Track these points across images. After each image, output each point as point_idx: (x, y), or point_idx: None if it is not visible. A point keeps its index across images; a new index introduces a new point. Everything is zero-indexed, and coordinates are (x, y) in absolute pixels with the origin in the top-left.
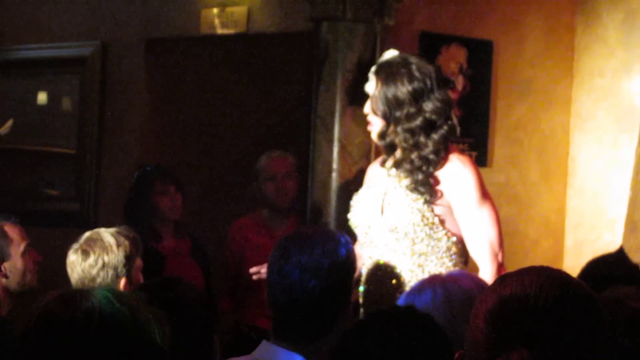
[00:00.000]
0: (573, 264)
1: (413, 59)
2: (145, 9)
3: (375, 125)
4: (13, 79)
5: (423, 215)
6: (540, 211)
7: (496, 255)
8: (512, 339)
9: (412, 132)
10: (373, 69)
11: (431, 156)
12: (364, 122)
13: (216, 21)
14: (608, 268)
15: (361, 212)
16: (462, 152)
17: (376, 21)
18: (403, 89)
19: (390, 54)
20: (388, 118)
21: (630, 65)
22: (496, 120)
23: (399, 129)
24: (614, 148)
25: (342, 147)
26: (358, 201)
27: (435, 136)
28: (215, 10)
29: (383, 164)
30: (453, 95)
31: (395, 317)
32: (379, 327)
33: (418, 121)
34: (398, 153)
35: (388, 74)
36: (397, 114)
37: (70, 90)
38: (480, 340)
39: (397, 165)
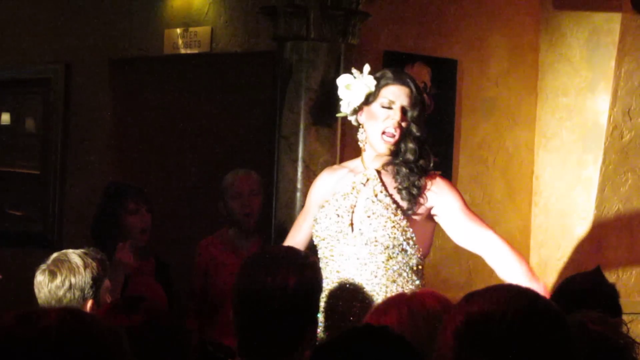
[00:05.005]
0: None
1: None
2: (109, 30)
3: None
4: None
5: (403, 230)
6: (505, 230)
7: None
8: (479, 355)
9: (424, 136)
10: (405, 78)
11: (430, 165)
12: (327, 141)
13: (179, 41)
14: (584, 286)
15: (328, 225)
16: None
17: (340, 41)
18: (421, 94)
19: (366, 69)
20: (417, 121)
21: (595, 83)
22: (460, 139)
23: (419, 131)
24: (578, 166)
25: (306, 167)
26: (325, 214)
27: (427, 148)
28: (178, 31)
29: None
30: None
31: (372, 335)
32: (358, 346)
33: (424, 126)
34: (386, 160)
35: (412, 79)
36: (423, 115)
37: (33, 111)
38: (449, 356)
39: (395, 164)
